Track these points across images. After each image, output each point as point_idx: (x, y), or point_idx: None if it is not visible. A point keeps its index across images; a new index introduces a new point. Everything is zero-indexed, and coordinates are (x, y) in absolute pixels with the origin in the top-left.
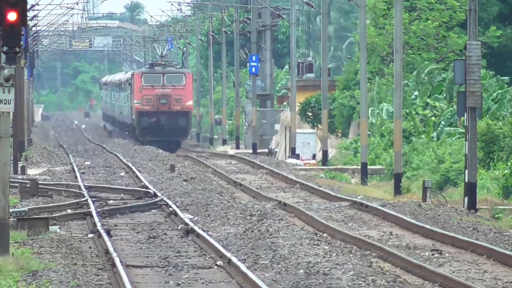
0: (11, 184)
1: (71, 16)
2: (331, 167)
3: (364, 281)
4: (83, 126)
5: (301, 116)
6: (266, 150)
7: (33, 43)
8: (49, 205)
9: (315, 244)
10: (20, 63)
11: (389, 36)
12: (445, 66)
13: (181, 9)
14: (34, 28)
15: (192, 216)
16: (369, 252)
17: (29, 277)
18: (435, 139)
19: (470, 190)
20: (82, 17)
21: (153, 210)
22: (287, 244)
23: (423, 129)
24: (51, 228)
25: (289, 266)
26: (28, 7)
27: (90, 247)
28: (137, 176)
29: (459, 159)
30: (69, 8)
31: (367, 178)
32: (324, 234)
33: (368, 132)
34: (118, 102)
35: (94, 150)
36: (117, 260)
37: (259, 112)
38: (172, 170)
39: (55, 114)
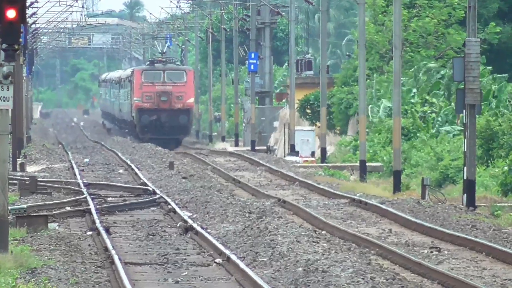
0: (10, 181)
1: (70, 13)
2: (330, 164)
3: (363, 278)
4: (82, 123)
5: (300, 113)
6: (265, 147)
7: (32, 40)
8: (48, 202)
9: (314, 242)
10: (19, 61)
11: (389, 33)
12: (444, 63)
13: (180, 6)
14: (33, 26)
15: (191, 214)
16: (368, 249)
17: (28, 274)
18: (429, 136)
19: (469, 187)
20: (81, 14)
21: (152, 208)
22: (286, 241)
23: (423, 125)
24: (50, 225)
25: (288, 264)
26: (27, 4)
27: (89, 245)
28: (136, 174)
29: (458, 156)
30: (68, 5)
31: (366, 175)
32: (323, 232)
33: (367, 130)
34: (118, 100)
35: (93, 148)
36: (116, 258)
37: (258, 109)
38: (171, 167)
39: (54, 112)
